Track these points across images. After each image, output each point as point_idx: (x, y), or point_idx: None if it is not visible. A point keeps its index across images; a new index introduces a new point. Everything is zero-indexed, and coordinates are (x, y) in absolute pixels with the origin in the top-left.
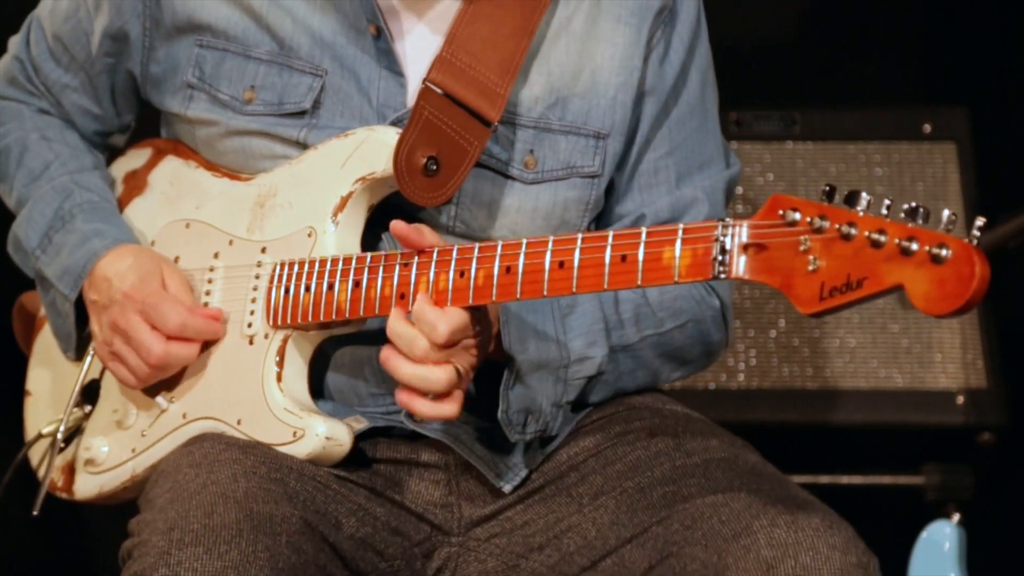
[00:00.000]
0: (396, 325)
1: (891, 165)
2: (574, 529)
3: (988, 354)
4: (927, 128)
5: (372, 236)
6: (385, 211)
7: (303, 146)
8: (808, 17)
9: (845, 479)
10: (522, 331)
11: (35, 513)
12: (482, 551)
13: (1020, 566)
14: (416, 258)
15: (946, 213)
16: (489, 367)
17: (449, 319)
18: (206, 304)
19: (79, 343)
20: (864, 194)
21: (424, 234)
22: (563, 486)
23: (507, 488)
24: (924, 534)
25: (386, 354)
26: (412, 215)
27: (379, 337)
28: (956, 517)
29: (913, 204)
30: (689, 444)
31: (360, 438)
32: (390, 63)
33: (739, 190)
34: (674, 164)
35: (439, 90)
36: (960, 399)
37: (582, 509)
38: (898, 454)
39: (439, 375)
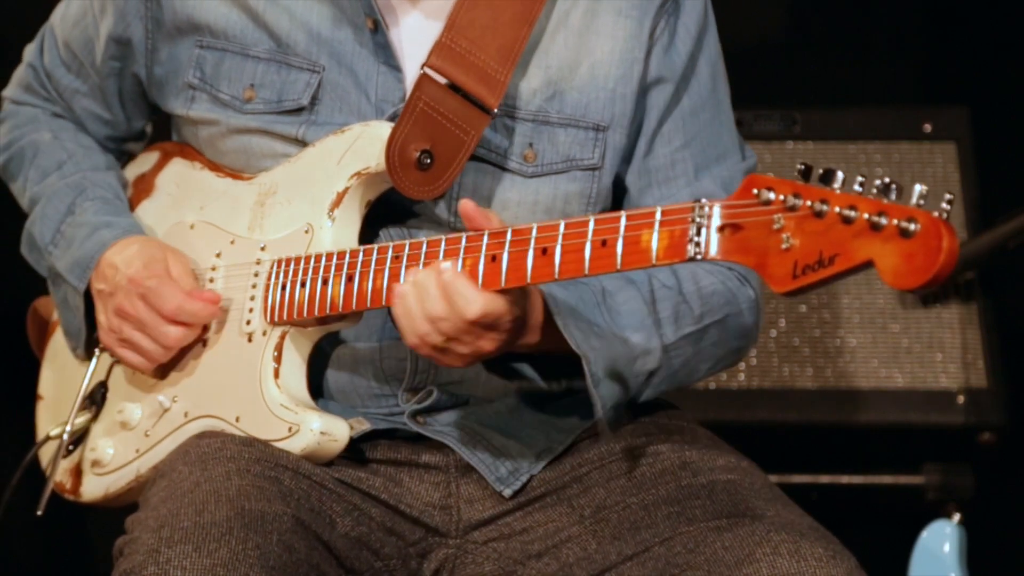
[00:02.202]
0: (428, 281)
1: (891, 165)
2: (574, 540)
3: (988, 354)
4: (927, 128)
5: (371, 232)
6: (384, 207)
7: (302, 143)
8: (809, 17)
9: (845, 479)
10: (583, 332)
11: (39, 513)
12: (479, 555)
13: (1020, 566)
14: (407, 249)
15: (917, 188)
16: (493, 370)
17: (487, 302)
18: None
19: (89, 340)
20: (839, 172)
21: (492, 220)
22: (564, 496)
23: (507, 492)
24: (924, 534)
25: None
26: (411, 210)
27: (381, 337)
28: (956, 517)
29: (886, 180)
30: (695, 463)
31: (360, 438)
32: (387, 57)
33: None
34: (691, 156)
35: (438, 76)
36: (960, 399)
37: (583, 521)
38: (898, 454)
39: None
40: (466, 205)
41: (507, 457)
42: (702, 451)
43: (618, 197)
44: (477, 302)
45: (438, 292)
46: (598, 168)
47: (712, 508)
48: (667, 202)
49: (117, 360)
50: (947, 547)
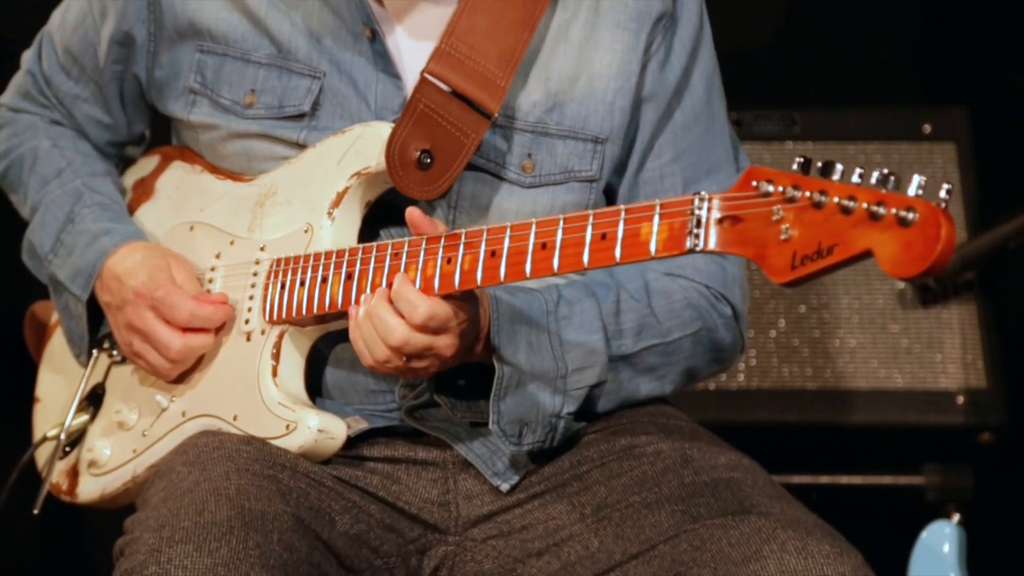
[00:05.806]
0: (380, 308)
1: (891, 165)
2: (576, 539)
3: (988, 354)
4: (927, 128)
5: (370, 234)
6: (384, 209)
7: (303, 147)
8: (808, 17)
9: (845, 479)
10: (513, 341)
11: (35, 512)
12: (479, 552)
13: (1020, 566)
14: (406, 247)
15: (916, 178)
16: (483, 369)
17: (430, 303)
18: None
19: (91, 347)
20: (839, 164)
21: (438, 228)
22: (564, 494)
23: (505, 487)
24: (924, 534)
25: (361, 335)
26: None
27: None
28: (956, 517)
29: (885, 171)
30: (697, 461)
31: (357, 436)
32: (386, 66)
33: None
34: (680, 171)
35: (438, 82)
36: (960, 399)
37: (584, 520)
38: (898, 454)
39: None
40: (412, 213)
41: (504, 452)
42: (703, 450)
43: (607, 203)
44: (422, 306)
45: (396, 321)
46: (596, 180)
47: (717, 506)
48: None
49: (116, 360)
50: (947, 547)
